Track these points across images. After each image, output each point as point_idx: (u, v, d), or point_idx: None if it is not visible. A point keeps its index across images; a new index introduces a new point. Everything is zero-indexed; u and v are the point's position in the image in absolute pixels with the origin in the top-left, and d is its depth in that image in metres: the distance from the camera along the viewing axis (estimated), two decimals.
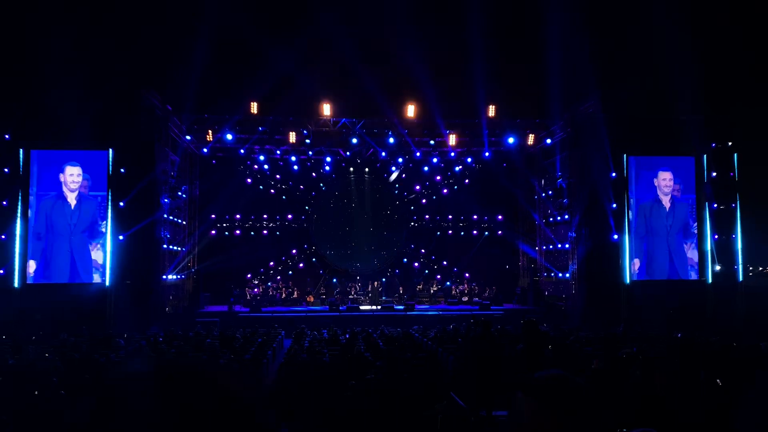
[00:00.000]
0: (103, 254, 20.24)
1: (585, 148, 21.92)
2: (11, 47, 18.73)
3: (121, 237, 20.08)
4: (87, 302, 19.46)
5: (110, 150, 20.39)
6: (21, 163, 20.06)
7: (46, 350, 12.31)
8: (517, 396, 1.54)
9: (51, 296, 19.40)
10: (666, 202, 22.30)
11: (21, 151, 20.07)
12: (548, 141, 23.94)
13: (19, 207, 19.95)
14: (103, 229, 20.25)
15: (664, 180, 22.32)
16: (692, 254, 22.31)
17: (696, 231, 22.30)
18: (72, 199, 20.26)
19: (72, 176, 20.29)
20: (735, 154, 22.89)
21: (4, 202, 19.87)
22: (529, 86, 21.90)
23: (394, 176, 27.62)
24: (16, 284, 19.75)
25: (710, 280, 22.27)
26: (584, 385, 1.44)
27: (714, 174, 22.63)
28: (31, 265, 19.98)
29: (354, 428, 6.31)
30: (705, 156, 22.63)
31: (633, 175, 22.29)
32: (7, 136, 19.81)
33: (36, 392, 7.41)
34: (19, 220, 19.89)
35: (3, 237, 19.76)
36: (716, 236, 22.43)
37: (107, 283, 20.09)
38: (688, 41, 19.05)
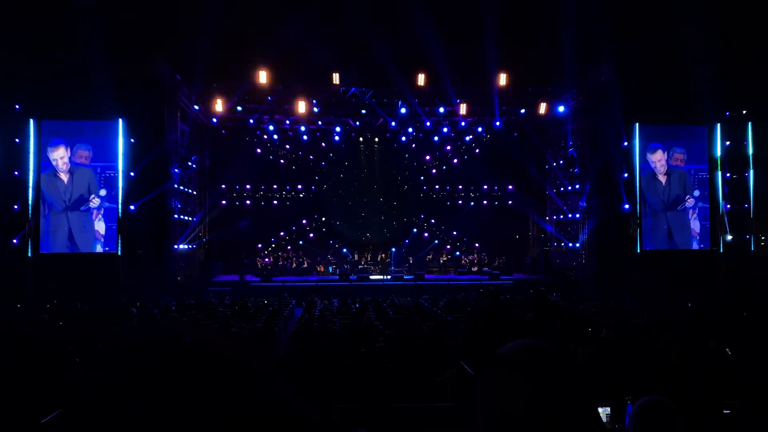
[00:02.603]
0: (104, 225, 20.38)
1: (597, 117, 21.71)
2: (21, 18, 18.61)
3: (132, 207, 20.19)
4: (100, 272, 19.67)
5: (120, 120, 20.41)
6: (32, 134, 20.12)
7: (60, 319, 12.50)
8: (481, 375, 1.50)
9: (64, 266, 19.61)
10: (662, 174, 22.12)
11: (32, 121, 20.12)
12: (560, 110, 23.67)
13: (31, 177, 20.06)
14: (96, 201, 20.35)
15: (655, 154, 22.17)
16: (695, 225, 22.19)
17: (706, 200, 22.16)
18: (64, 173, 20.31)
19: (56, 155, 20.29)
20: (749, 123, 22.61)
21: (16, 173, 19.96)
22: (541, 54, 21.52)
23: None
24: (29, 254, 19.95)
25: (722, 250, 22.16)
26: (554, 350, 1.40)
27: (728, 143, 22.38)
28: (43, 235, 20.16)
29: (364, 395, 6.38)
30: (718, 125, 22.36)
31: (643, 145, 22.09)
32: (17, 107, 19.84)
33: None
34: (30, 191, 20.01)
35: (16, 207, 19.89)
36: (728, 206, 22.26)
37: (119, 253, 20.27)
38: (703, 9, 18.67)
